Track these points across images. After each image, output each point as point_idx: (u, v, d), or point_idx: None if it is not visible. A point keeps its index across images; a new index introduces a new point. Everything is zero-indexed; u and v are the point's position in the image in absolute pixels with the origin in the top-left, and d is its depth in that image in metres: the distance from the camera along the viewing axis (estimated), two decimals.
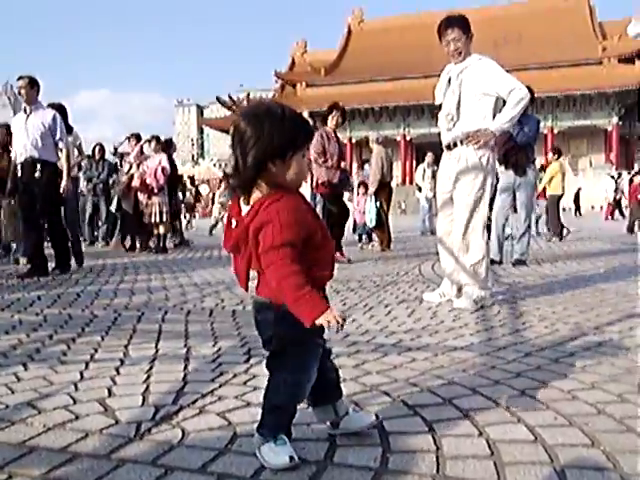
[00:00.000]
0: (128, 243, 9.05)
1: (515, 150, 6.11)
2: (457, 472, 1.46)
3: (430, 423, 1.76)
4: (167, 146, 9.03)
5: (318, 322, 1.39)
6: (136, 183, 8.29)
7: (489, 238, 5.23)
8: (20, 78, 5.64)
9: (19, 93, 5.73)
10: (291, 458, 1.46)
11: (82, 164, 8.85)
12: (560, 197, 10.19)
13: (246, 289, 1.54)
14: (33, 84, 5.65)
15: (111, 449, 1.61)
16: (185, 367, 2.42)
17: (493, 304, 3.83)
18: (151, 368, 2.41)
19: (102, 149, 9.94)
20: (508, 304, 3.85)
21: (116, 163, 10.05)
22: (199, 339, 2.94)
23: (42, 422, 1.81)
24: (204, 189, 36.21)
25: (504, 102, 3.64)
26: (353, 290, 4.61)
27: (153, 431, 1.74)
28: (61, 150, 5.73)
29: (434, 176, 11.85)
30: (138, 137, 8.92)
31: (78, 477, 1.45)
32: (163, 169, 8.32)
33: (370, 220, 7.87)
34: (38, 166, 5.57)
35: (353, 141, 47.80)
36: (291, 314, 1.44)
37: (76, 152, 6.84)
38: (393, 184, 8.78)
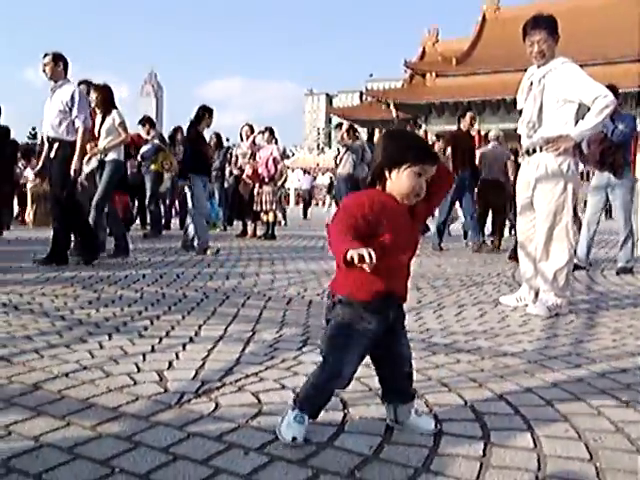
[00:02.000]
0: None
1: (612, 150, 5.75)
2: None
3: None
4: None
5: (349, 256, 1.48)
6: (248, 172, 8.78)
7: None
8: (45, 55, 5.38)
9: (43, 71, 5.38)
10: (294, 438, 1.65)
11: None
12: None
13: None
14: (57, 60, 5.37)
15: (151, 412, 1.88)
16: (243, 349, 2.68)
17: (571, 312, 3.75)
18: (213, 348, 2.69)
19: (218, 138, 10.55)
20: (587, 314, 3.74)
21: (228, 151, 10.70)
22: (267, 324, 3.19)
23: (106, 384, 2.14)
24: (327, 178, 36.86)
25: (588, 109, 3.53)
26: (435, 288, 4.67)
27: (192, 402, 1.99)
28: (77, 129, 5.32)
29: None
30: (252, 128, 9.40)
31: (117, 432, 1.73)
32: (274, 159, 8.74)
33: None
34: (55, 145, 5.36)
35: (482, 133, 46.42)
36: (342, 300, 1.69)
37: (122, 134, 6.11)
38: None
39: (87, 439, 1.67)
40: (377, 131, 12.17)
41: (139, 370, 2.33)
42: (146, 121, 9.34)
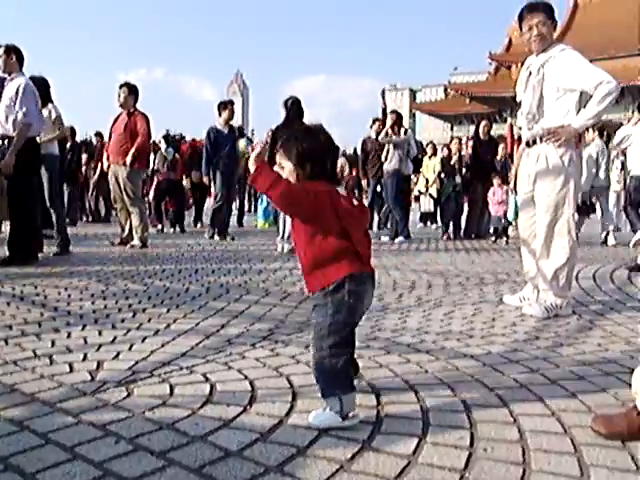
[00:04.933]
0: None
1: None
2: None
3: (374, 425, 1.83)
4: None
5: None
6: None
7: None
8: None
9: None
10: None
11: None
12: None
13: None
14: (10, 53, 5.27)
15: (61, 399, 1.97)
16: (198, 343, 2.73)
17: (574, 313, 3.54)
18: (171, 341, 2.76)
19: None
20: (592, 315, 3.51)
21: None
22: (243, 319, 3.23)
23: (42, 372, 2.25)
24: None
25: (590, 97, 3.31)
26: (448, 286, 4.54)
27: (108, 391, 2.06)
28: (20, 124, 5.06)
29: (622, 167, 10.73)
30: None
31: (12, 417, 1.83)
32: None
33: (510, 214, 7.48)
34: (6, 142, 5.14)
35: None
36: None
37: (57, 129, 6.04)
38: None
39: None
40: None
41: (84, 359, 2.44)
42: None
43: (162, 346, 2.66)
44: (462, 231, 9.31)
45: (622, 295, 4.29)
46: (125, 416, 1.84)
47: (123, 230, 7.10)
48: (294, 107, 6.84)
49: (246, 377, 2.25)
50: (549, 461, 1.61)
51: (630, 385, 1.82)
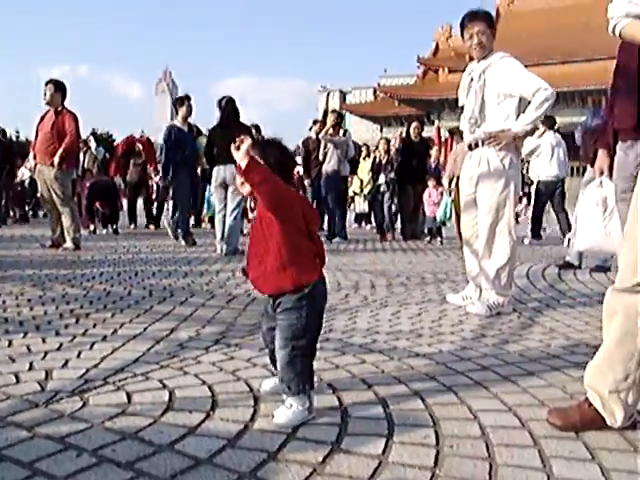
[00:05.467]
0: None
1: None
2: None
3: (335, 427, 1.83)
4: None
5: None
6: None
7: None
8: None
9: None
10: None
11: None
12: None
13: None
14: None
15: (12, 412, 1.87)
16: (149, 348, 2.65)
17: (515, 311, 3.68)
18: (121, 347, 2.67)
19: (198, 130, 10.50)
20: (531, 313, 3.67)
21: None
22: (192, 323, 3.17)
23: None
24: None
25: (529, 102, 3.46)
26: (391, 286, 4.62)
27: (62, 401, 1.98)
28: None
29: None
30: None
31: None
32: None
33: (441, 215, 7.71)
34: None
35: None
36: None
37: None
38: None
39: None
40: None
41: (31, 368, 2.33)
42: None
43: (112, 352, 2.57)
44: (399, 232, 9.46)
45: (555, 292, 4.50)
46: (84, 427, 1.77)
47: (54, 232, 6.80)
48: (228, 106, 6.77)
49: (204, 382, 2.21)
50: (512, 455, 1.66)
51: (577, 379, 1.91)
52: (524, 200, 12.60)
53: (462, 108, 3.76)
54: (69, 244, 6.60)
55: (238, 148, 1.70)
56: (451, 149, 11.33)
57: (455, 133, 9.96)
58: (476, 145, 3.66)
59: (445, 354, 2.70)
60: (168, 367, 2.38)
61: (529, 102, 3.47)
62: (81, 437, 1.70)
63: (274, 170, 1.79)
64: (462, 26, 3.61)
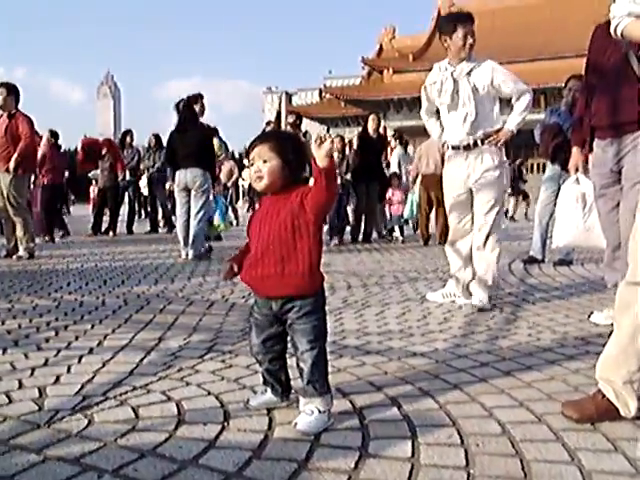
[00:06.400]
0: None
1: (566, 147, 5.80)
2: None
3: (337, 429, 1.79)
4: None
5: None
6: None
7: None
8: None
9: None
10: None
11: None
12: None
13: None
14: None
15: (14, 434, 1.75)
16: (142, 359, 2.56)
17: (495, 307, 3.73)
18: (111, 359, 2.56)
19: (158, 139, 10.30)
20: (511, 308, 3.72)
21: None
22: (178, 331, 3.07)
23: None
24: None
25: (506, 101, 3.56)
26: (366, 286, 4.62)
27: (64, 420, 1.87)
28: None
29: None
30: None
31: None
32: None
33: (408, 213, 7.81)
34: None
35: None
36: None
37: None
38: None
39: None
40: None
41: (21, 387, 2.20)
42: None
43: (104, 365, 2.46)
44: (360, 235, 9.07)
45: (527, 287, 4.60)
46: (96, 447, 1.67)
47: (9, 241, 6.51)
48: (185, 110, 6.64)
49: (209, 392, 2.14)
50: (539, 450, 1.67)
51: (574, 371, 1.93)
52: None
53: (431, 108, 3.84)
54: (23, 253, 6.34)
55: (320, 146, 1.64)
56: (393, 148, 11.24)
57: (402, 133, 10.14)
58: (475, 145, 3.68)
59: (441, 352, 2.71)
60: (167, 378, 2.30)
61: (507, 101, 3.57)
62: (97, 457, 1.61)
63: (291, 167, 1.75)
64: (454, 25, 3.59)
